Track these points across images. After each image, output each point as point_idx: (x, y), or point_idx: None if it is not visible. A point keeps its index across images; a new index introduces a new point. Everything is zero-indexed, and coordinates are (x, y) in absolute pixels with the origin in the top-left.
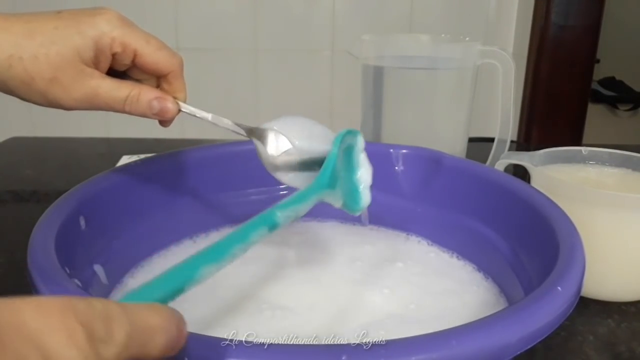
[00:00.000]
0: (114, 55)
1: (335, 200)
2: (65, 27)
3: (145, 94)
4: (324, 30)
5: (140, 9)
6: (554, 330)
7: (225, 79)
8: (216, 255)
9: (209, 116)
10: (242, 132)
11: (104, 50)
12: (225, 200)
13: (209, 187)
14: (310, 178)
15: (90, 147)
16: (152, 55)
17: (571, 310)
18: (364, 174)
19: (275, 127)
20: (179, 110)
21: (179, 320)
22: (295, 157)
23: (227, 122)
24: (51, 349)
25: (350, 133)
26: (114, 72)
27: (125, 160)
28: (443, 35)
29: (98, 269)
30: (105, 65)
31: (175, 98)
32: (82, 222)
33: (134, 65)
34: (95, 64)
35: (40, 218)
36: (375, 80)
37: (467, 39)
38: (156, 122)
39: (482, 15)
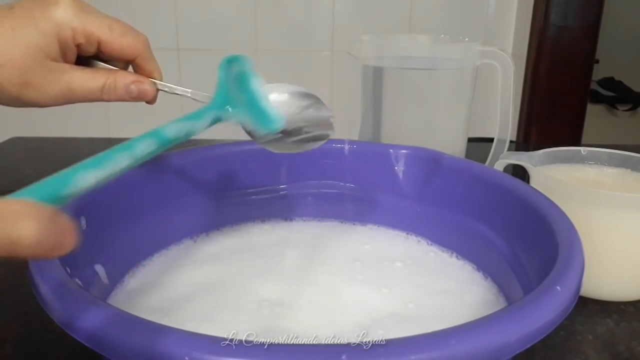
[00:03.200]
0: (78, 45)
1: (243, 120)
2: (22, 26)
3: (121, 80)
4: (324, 30)
5: (140, 9)
6: (553, 330)
7: None
8: (97, 162)
9: (188, 92)
10: None
11: (67, 42)
12: (225, 200)
13: (209, 187)
14: (293, 145)
15: (90, 147)
16: (116, 42)
17: (570, 310)
18: (259, 89)
19: None
20: (158, 90)
21: (52, 212)
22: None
23: (206, 95)
24: None
25: (235, 60)
26: (82, 58)
27: None
28: (442, 35)
29: (99, 268)
30: (72, 56)
31: (151, 78)
32: (83, 222)
33: (99, 51)
34: (62, 57)
35: None
36: (375, 80)
37: (467, 39)
38: (157, 122)
39: (482, 16)
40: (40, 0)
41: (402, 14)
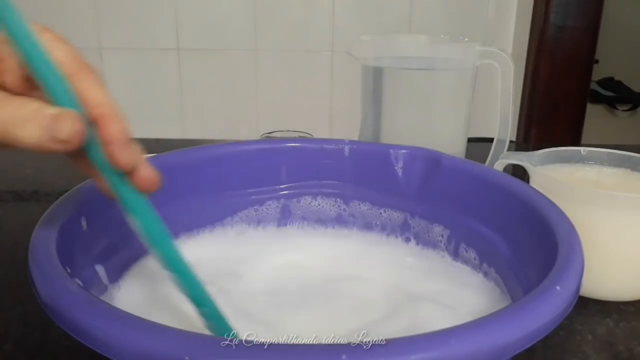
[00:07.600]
0: None
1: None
2: None
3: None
4: (324, 30)
5: (140, 9)
6: (552, 330)
7: (225, 79)
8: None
9: None
10: None
11: None
12: (225, 199)
13: (209, 187)
14: None
15: None
16: None
17: (570, 310)
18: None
19: None
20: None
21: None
22: None
23: None
24: None
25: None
26: None
27: None
28: (442, 35)
29: (99, 268)
30: None
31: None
32: (84, 223)
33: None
34: None
35: (41, 218)
36: (375, 80)
37: (466, 39)
38: (156, 122)
39: (482, 16)
40: None
41: (402, 14)
